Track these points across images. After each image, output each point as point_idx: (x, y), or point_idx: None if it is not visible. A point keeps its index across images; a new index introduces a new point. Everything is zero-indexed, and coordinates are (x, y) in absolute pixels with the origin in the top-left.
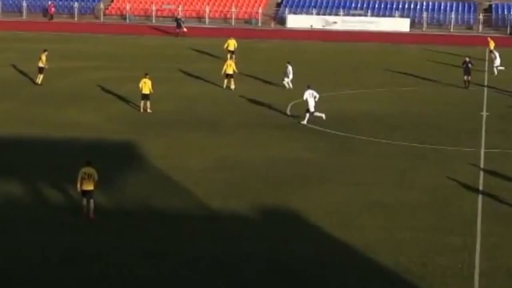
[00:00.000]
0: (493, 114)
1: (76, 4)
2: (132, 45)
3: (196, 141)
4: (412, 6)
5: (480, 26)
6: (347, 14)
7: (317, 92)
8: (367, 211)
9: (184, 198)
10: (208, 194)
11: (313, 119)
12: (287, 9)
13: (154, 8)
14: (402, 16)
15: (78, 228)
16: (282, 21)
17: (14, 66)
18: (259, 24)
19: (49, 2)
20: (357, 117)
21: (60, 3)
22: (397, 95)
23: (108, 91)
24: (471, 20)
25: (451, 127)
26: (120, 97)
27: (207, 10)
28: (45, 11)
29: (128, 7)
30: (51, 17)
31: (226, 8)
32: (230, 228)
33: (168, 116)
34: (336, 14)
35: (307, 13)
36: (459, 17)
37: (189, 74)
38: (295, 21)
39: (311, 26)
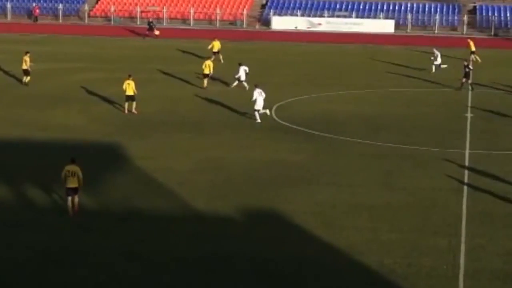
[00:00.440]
0: (478, 115)
1: (60, 6)
2: (116, 47)
3: (180, 143)
4: (396, 8)
5: (465, 28)
6: (332, 16)
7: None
8: (352, 212)
9: (169, 199)
10: (192, 195)
11: (264, 116)
12: (271, 11)
13: (138, 9)
14: (386, 17)
15: (63, 229)
16: (267, 22)
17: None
18: (244, 26)
19: (34, 4)
20: (342, 119)
21: (45, 4)
22: (382, 96)
23: (92, 93)
24: (456, 21)
25: (436, 128)
26: (105, 99)
27: (192, 11)
28: (30, 13)
29: (112, 9)
30: (36, 18)
31: (211, 10)
32: (214, 229)
33: (153, 118)
34: (321, 16)
35: (292, 14)
36: (444, 18)
37: (174, 76)
38: (280, 22)
39: (296, 27)
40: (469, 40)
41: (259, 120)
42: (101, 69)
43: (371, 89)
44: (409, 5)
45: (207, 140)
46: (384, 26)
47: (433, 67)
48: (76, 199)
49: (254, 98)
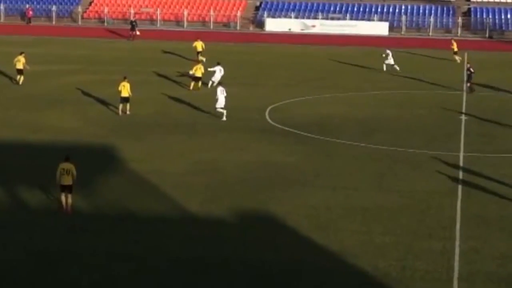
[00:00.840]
0: (472, 117)
1: (54, 8)
2: (110, 49)
3: (174, 145)
4: (391, 10)
5: (459, 30)
6: (326, 18)
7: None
8: (345, 215)
9: (163, 201)
10: (186, 197)
11: (219, 114)
12: (265, 13)
13: (132, 11)
14: (381, 19)
15: (56, 230)
16: (260, 24)
17: None
18: (238, 28)
19: (27, 6)
20: (336, 121)
21: (38, 6)
22: (376, 99)
23: (86, 95)
24: (450, 23)
25: (430, 130)
26: (99, 101)
27: (186, 13)
28: (23, 14)
29: (106, 11)
30: (29, 20)
31: (205, 12)
32: (208, 231)
33: (146, 120)
34: (315, 18)
35: (286, 16)
36: (438, 20)
37: (168, 78)
38: (274, 24)
39: (290, 29)
40: (452, 41)
41: (224, 118)
42: (95, 71)
43: (365, 91)
44: (403, 7)
45: (201, 142)
46: (378, 28)
47: (384, 66)
48: (70, 198)
49: (217, 96)
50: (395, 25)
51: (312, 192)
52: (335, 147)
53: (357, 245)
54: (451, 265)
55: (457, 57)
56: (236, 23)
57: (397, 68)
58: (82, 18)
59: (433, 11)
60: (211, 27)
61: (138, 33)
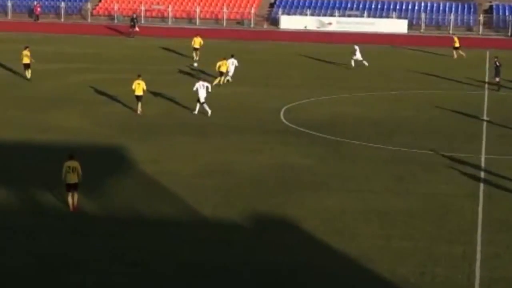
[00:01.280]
0: (494, 118)
1: (62, 4)
2: (120, 47)
3: (186, 146)
4: (410, 7)
5: (481, 28)
6: (343, 15)
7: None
8: (363, 219)
9: (173, 204)
10: (198, 200)
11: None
12: (280, 10)
13: (143, 8)
14: (399, 17)
15: (63, 234)
16: (275, 22)
17: None
18: (252, 25)
19: (35, 2)
20: (352, 121)
21: (46, 3)
22: (393, 99)
23: (94, 94)
24: (471, 21)
25: (450, 131)
26: (107, 100)
27: (198, 10)
28: (31, 11)
29: (116, 7)
30: (37, 17)
31: (217, 9)
32: (219, 235)
33: (157, 120)
34: (331, 15)
35: (301, 13)
36: (459, 18)
37: (179, 76)
38: (289, 22)
39: (305, 27)
40: (454, 37)
41: (195, 112)
42: (104, 69)
43: (382, 91)
44: (422, 4)
45: (213, 143)
46: (397, 26)
47: (352, 62)
48: (76, 195)
49: (194, 88)
50: (414, 22)
51: (327, 195)
52: (352, 149)
53: (374, 250)
54: (472, 270)
55: (455, 53)
56: (250, 20)
57: (366, 63)
58: (92, 15)
59: (453, 8)
60: (224, 24)
61: (137, 29)
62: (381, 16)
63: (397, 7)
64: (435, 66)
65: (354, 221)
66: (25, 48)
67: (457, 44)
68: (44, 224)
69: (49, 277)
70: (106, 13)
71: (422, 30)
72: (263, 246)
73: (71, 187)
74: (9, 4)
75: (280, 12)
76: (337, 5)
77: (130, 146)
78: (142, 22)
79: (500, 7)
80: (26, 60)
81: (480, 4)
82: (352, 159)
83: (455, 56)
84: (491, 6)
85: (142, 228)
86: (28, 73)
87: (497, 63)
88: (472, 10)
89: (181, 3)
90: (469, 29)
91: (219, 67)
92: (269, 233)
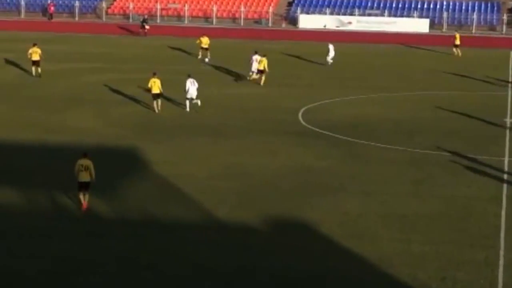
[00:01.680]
0: None
1: (77, 3)
2: (135, 46)
3: (202, 147)
4: (431, 6)
5: (504, 27)
6: (363, 14)
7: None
8: (382, 222)
9: (189, 207)
10: (214, 203)
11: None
12: (299, 9)
13: (159, 7)
14: (421, 16)
15: (76, 237)
16: (293, 21)
17: (11, 68)
18: (270, 24)
19: (49, 1)
20: (371, 123)
21: (60, 1)
22: (413, 100)
23: (109, 94)
24: (494, 20)
25: (472, 133)
26: (122, 100)
27: (215, 9)
28: (45, 10)
29: (131, 6)
30: (51, 16)
31: (235, 8)
32: (236, 238)
33: (173, 120)
34: (351, 14)
35: (320, 12)
36: (482, 17)
37: (194, 77)
38: (308, 21)
39: (325, 26)
40: (456, 34)
41: (188, 109)
42: (119, 69)
43: (402, 92)
44: (445, 3)
45: (229, 145)
46: (418, 25)
47: (330, 60)
48: (87, 195)
49: (187, 87)
50: (436, 22)
51: (346, 198)
52: (371, 151)
53: (394, 254)
54: (495, 276)
55: (455, 50)
56: (268, 19)
57: (330, 61)
58: (106, 14)
59: (476, 8)
60: (242, 23)
61: (147, 27)
62: (402, 15)
63: (419, 6)
64: (457, 66)
65: (373, 224)
66: (34, 45)
67: (457, 42)
68: (57, 226)
69: (62, 281)
70: (121, 12)
71: (444, 30)
72: (279, 250)
73: (83, 186)
74: (23, 3)
75: (298, 11)
76: (357, 4)
77: (145, 147)
78: (158, 21)
79: None
80: (35, 57)
81: (503, 3)
82: (371, 161)
83: (455, 53)
84: None
85: (156, 230)
86: (35, 70)
87: None
88: (495, 9)
89: (198, 2)
90: (492, 28)
91: (259, 64)
92: (286, 236)
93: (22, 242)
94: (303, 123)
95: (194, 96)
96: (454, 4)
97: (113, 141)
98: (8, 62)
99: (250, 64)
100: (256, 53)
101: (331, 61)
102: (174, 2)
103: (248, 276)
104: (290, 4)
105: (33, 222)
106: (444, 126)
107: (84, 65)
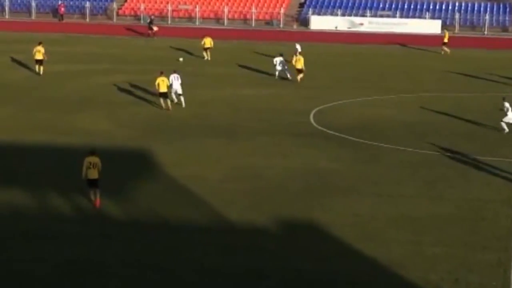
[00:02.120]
0: None
1: (87, 4)
2: (146, 47)
3: (213, 149)
4: (443, 7)
5: None
6: (374, 15)
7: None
8: (394, 224)
9: (200, 209)
10: (225, 205)
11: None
12: (310, 10)
13: (169, 8)
14: (432, 17)
15: (86, 239)
16: (305, 22)
17: (21, 69)
18: (281, 26)
19: (59, 2)
20: (383, 124)
21: (71, 2)
22: (424, 101)
23: (120, 95)
24: (507, 21)
25: (484, 135)
26: (133, 101)
27: (226, 10)
28: (55, 11)
29: (142, 7)
30: (61, 17)
31: (246, 9)
32: (246, 241)
33: (183, 122)
34: (363, 15)
35: (332, 14)
36: (494, 18)
37: (205, 78)
38: (319, 22)
39: (336, 27)
40: (445, 31)
41: (176, 100)
42: (129, 70)
43: (413, 93)
44: (457, 4)
45: (240, 146)
46: (430, 26)
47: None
48: (98, 192)
49: (170, 82)
50: (448, 23)
51: (357, 200)
52: (383, 152)
53: (406, 256)
54: (507, 278)
55: (445, 49)
56: (279, 20)
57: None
58: (117, 15)
59: (488, 9)
60: (253, 25)
61: (156, 28)
62: (414, 17)
63: (431, 7)
64: (468, 68)
65: (384, 226)
66: (39, 44)
67: (445, 40)
68: (67, 228)
69: (72, 283)
70: (132, 13)
71: (456, 31)
72: (291, 252)
73: (92, 183)
74: (33, 4)
75: (310, 12)
76: (368, 5)
77: (156, 149)
78: (169, 22)
79: None
80: (39, 56)
81: None
82: (383, 162)
83: (445, 51)
84: None
85: (166, 233)
86: (40, 69)
87: None
88: (508, 10)
89: (209, 3)
90: (505, 29)
91: (296, 62)
92: (297, 238)
93: (33, 244)
94: (315, 124)
95: (179, 92)
96: (466, 5)
97: (123, 142)
98: (18, 63)
99: (274, 66)
100: (280, 55)
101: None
102: (185, 4)
103: (258, 278)
104: (301, 5)
105: (44, 224)
106: (456, 128)
107: (95, 66)
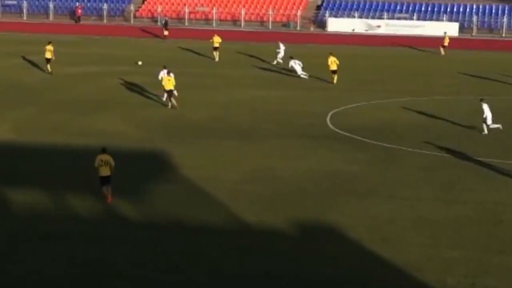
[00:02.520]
0: None
1: (105, 6)
2: (163, 49)
3: (229, 151)
4: (461, 10)
5: None
6: (392, 18)
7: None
8: (411, 227)
9: (215, 211)
10: (240, 207)
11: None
12: (327, 12)
13: (187, 10)
14: (450, 20)
15: (100, 240)
16: (322, 24)
17: (37, 71)
18: (298, 28)
19: (77, 4)
20: (401, 127)
21: (88, 4)
22: (444, 104)
23: (136, 97)
24: None
25: (502, 138)
26: (149, 103)
27: (243, 12)
28: (73, 13)
29: (159, 9)
30: (79, 19)
31: (263, 11)
32: (263, 243)
33: (200, 124)
34: (380, 18)
35: (349, 16)
36: None
37: (222, 80)
38: (336, 24)
39: (353, 30)
40: (445, 35)
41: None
42: (146, 72)
43: (431, 96)
44: (474, 7)
45: (257, 148)
46: (448, 29)
47: (280, 60)
48: (109, 188)
49: (159, 77)
50: (465, 25)
51: (374, 203)
52: (400, 155)
53: (423, 259)
54: None
55: (441, 50)
56: (296, 23)
57: (278, 61)
58: (135, 17)
59: (506, 11)
60: (270, 27)
61: (166, 33)
62: (431, 19)
63: (448, 9)
64: (485, 70)
65: (401, 229)
66: (49, 43)
67: (446, 43)
68: (82, 230)
69: (86, 284)
70: (149, 15)
71: (474, 33)
72: (307, 255)
73: (105, 180)
74: (51, 5)
75: (327, 15)
76: (386, 7)
77: (172, 151)
78: (186, 24)
79: None
80: (48, 55)
81: None
82: (400, 165)
83: (442, 53)
84: None
85: (182, 235)
86: (48, 68)
87: None
88: None
89: (226, 5)
90: None
91: (331, 63)
92: (314, 241)
93: (47, 245)
94: (331, 126)
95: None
96: (484, 8)
97: (140, 143)
98: (34, 64)
99: (291, 67)
100: (291, 58)
101: (281, 61)
102: (202, 5)
103: (275, 281)
104: (318, 7)
105: (59, 225)
106: (473, 130)
107: (112, 68)
